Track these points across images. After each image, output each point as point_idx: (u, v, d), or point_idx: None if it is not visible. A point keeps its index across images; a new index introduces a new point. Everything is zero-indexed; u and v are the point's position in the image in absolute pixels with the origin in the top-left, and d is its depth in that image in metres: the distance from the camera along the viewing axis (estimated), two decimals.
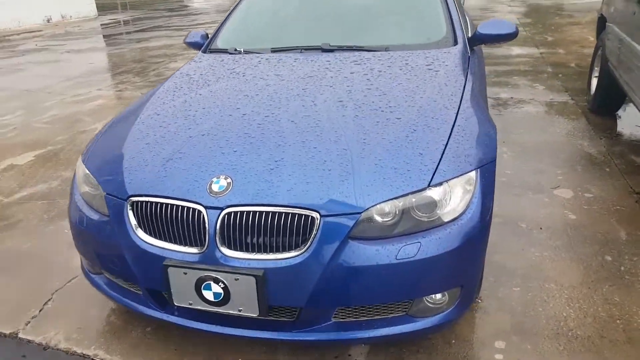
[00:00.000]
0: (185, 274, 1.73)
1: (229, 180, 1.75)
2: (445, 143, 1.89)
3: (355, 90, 2.25)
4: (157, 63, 8.56)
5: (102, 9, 21.15)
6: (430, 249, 1.70)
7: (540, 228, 2.86)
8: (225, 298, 1.73)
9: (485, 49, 7.90)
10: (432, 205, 1.74)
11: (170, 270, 1.74)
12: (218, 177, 1.77)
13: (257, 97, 2.28)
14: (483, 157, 1.91)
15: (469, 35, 2.95)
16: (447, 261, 1.73)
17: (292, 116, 2.08)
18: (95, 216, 1.97)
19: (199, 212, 1.73)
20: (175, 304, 1.82)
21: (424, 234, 1.73)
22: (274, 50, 2.85)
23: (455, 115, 2.06)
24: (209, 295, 1.75)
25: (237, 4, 3.40)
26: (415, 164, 1.79)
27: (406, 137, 1.90)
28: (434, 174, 1.76)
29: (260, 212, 1.68)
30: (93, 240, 1.98)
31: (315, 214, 1.66)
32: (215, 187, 1.74)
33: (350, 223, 1.66)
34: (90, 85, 7.21)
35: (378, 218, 1.70)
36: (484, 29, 2.83)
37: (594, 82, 4.81)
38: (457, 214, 1.77)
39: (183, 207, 1.76)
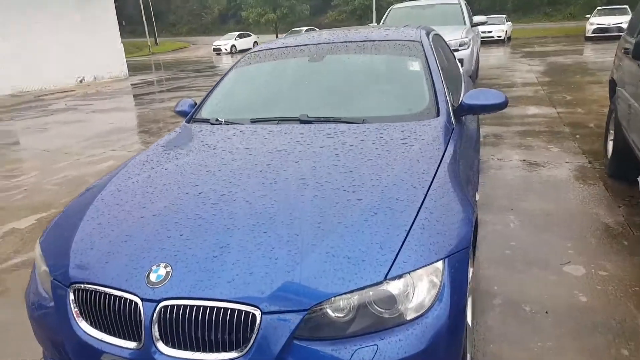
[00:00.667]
0: None
1: (168, 269, 1.58)
2: (407, 229, 1.69)
3: (320, 166, 2.10)
4: (174, 123, 8.66)
5: (134, 69, 22.00)
6: (390, 353, 1.47)
7: (546, 312, 2.57)
8: None
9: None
10: (392, 300, 1.53)
11: None
12: (158, 265, 1.60)
13: (219, 173, 2.14)
14: (453, 244, 1.71)
15: (459, 102, 2.77)
16: None
17: (248, 195, 1.92)
18: (45, 300, 1.84)
19: (135, 304, 1.55)
20: None
21: (384, 334, 1.51)
22: (253, 121, 2.74)
23: (423, 196, 1.86)
24: None
25: (225, 74, 3.34)
26: (372, 253, 1.59)
27: (365, 221, 1.71)
28: (391, 265, 1.56)
29: (198, 307, 1.49)
30: (42, 324, 1.86)
31: (256, 311, 1.46)
32: (153, 277, 1.57)
33: (295, 321, 1.46)
34: (105, 146, 7.29)
35: (331, 314, 1.49)
36: (470, 99, 2.67)
37: (610, 145, 4.57)
38: (422, 311, 1.56)
39: (120, 297, 1.59)
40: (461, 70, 4.46)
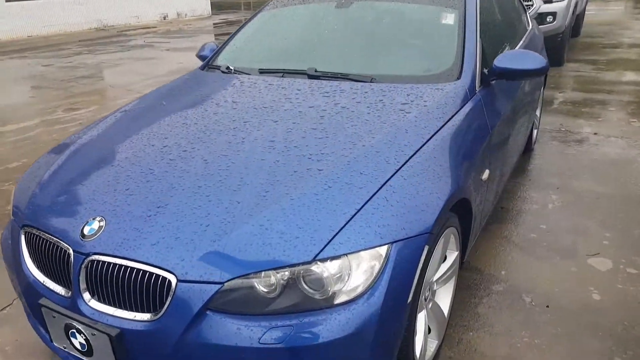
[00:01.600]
0: (54, 317, 1.64)
1: (102, 223, 1.61)
2: (358, 208, 1.57)
3: (298, 129, 2.00)
4: None
5: (219, 7, 22.26)
6: (305, 335, 1.42)
7: (547, 306, 2.36)
8: (89, 350, 1.60)
9: (592, 72, 6.99)
10: (321, 282, 1.46)
11: (44, 310, 1.67)
12: (94, 219, 1.64)
13: (193, 127, 2.12)
14: (407, 229, 1.58)
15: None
16: (326, 356, 1.43)
17: (210, 153, 1.89)
18: (7, 239, 1.97)
19: (68, 254, 1.61)
20: (55, 344, 1.73)
21: (306, 315, 1.45)
22: (262, 72, 2.67)
23: (393, 172, 1.72)
24: (76, 343, 1.63)
25: (250, 18, 3.26)
26: (309, 230, 1.51)
27: (314, 195, 1.62)
28: (325, 246, 1.47)
29: (120, 266, 1.52)
30: (7, 264, 1.95)
31: (172, 277, 1.46)
32: (86, 230, 1.61)
33: (210, 292, 1.44)
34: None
35: (254, 288, 1.45)
36: (502, 61, 2.39)
37: None
38: (353, 296, 1.47)
39: (57, 245, 1.66)
40: (530, 26, 4.02)
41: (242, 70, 2.74)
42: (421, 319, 1.87)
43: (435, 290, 2.07)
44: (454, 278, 2.14)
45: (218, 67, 2.86)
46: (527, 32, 3.78)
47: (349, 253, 1.48)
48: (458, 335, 2.19)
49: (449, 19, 2.62)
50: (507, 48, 3.07)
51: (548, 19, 7.01)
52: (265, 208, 1.58)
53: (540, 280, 2.55)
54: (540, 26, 6.95)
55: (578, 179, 3.71)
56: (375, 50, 2.65)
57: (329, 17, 2.93)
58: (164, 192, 1.70)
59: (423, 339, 1.87)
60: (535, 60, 2.38)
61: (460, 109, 2.17)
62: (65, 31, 15.68)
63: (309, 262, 1.45)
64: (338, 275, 1.47)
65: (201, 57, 3.18)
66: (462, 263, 2.28)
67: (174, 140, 2.02)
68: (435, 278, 1.96)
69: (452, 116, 2.11)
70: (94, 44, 12.98)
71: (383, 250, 1.52)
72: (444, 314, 2.07)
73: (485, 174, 2.23)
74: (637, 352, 2.06)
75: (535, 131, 4.35)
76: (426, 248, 1.63)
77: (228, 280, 1.44)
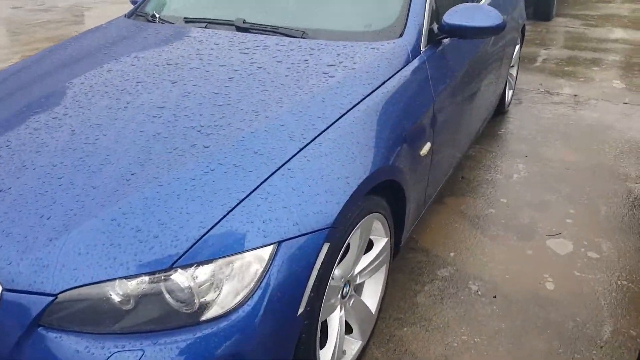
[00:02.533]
0: None
1: None
2: (242, 197, 1.27)
3: (196, 93, 1.66)
4: None
5: None
6: None
7: (494, 297, 2.11)
8: None
9: (580, 27, 6.58)
10: (184, 293, 1.17)
11: None
12: None
13: (78, 87, 1.78)
14: (301, 224, 1.28)
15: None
16: None
17: (81, 122, 1.56)
18: None
19: None
20: None
21: (164, 335, 1.17)
22: (187, 21, 2.30)
23: (295, 151, 1.41)
24: None
25: None
26: (173, 227, 1.20)
27: (191, 179, 1.31)
28: (190, 248, 1.17)
29: None
30: None
31: None
32: None
33: (40, 306, 1.14)
34: None
35: (99, 300, 1.17)
36: (453, 17, 2.03)
37: None
38: (225, 310, 1.19)
39: None
40: None
41: (167, 19, 2.36)
42: (335, 320, 1.61)
43: (359, 284, 1.80)
44: (384, 267, 1.87)
45: (145, 15, 2.48)
46: None
47: (221, 257, 1.19)
48: (390, 331, 1.94)
49: None
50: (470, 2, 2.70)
51: None
52: (124, 196, 1.27)
53: (492, 265, 2.29)
54: None
55: (549, 146, 3.41)
56: (313, 1, 2.28)
57: None
58: (12, 172, 1.38)
59: (337, 342, 1.61)
60: (489, 16, 2.03)
61: (397, 72, 1.84)
62: None
63: (166, 270, 1.16)
64: (208, 283, 1.18)
65: (134, 3, 2.79)
66: (399, 248, 2.01)
67: (50, 105, 1.68)
68: (357, 270, 1.69)
69: (385, 81, 1.77)
70: None
71: (266, 252, 1.23)
72: (370, 310, 1.81)
73: (426, 148, 1.92)
74: (585, 356, 1.82)
75: (510, 92, 4.02)
76: (326, 246, 1.34)
77: (62, 292, 1.14)
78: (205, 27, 2.19)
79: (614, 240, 2.44)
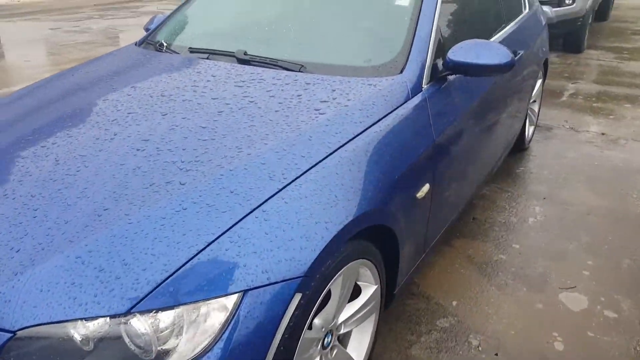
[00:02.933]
0: None
1: None
2: (211, 240, 1.20)
3: (183, 127, 1.62)
4: None
5: None
6: None
7: (496, 354, 1.94)
8: None
9: (613, 61, 6.37)
10: (141, 339, 1.10)
11: None
12: None
13: (71, 116, 1.79)
14: (271, 272, 1.20)
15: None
16: None
17: (67, 152, 1.56)
18: None
19: None
20: None
21: None
22: (192, 51, 2.26)
23: (273, 193, 1.33)
24: None
25: None
26: (136, 268, 1.15)
27: (161, 218, 1.25)
28: (150, 292, 1.11)
29: None
30: None
31: None
32: None
33: None
34: None
35: (64, 339, 1.10)
36: (457, 53, 1.92)
37: None
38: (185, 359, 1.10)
39: None
40: (526, 8, 3.48)
41: (174, 48, 2.34)
42: None
43: (344, 334, 1.68)
44: (373, 316, 1.74)
45: (154, 43, 2.46)
46: (521, 17, 3.25)
47: (183, 304, 1.11)
48: None
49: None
50: (487, 36, 2.59)
51: (567, 1, 6.37)
52: (93, 233, 1.22)
53: (496, 318, 2.12)
54: (557, 9, 6.33)
55: (571, 188, 3.23)
56: (314, 34, 2.21)
57: None
58: None
59: None
60: (496, 54, 1.91)
61: (394, 110, 1.73)
62: None
63: (124, 314, 1.09)
64: (167, 330, 1.11)
65: (147, 31, 2.79)
66: (394, 295, 1.87)
67: (42, 133, 1.70)
68: (340, 320, 1.57)
69: (379, 119, 1.67)
70: (108, 8, 12.69)
71: (231, 300, 1.15)
72: None
73: (423, 190, 1.79)
74: None
75: (531, 128, 3.85)
76: (298, 296, 1.24)
77: (21, 329, 1.09)
78: (207, 58, 2.15)
79: (636, 299, 2.24)
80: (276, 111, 1.66)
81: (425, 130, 1.82)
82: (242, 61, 2.08)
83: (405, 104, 1.79)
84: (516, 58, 2.73)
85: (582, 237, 2.69)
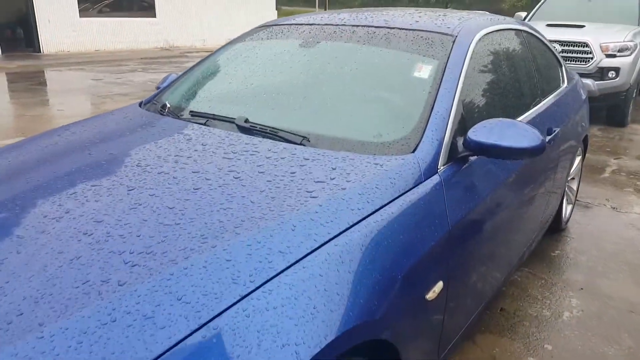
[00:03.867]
0: None
1: None
2: None
3: (148, 205, 1.40)
4: None
5: None
6: None
7: None
8: None
9: None
10: None
11: None
12: None
13: (34, 186, 1.59)
14: None
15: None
16: None
17: (4, 233, 1.34)
18: None
19: None
20: None
21: None
22: (193, 114, 2.12)
23: (233, 301, 1.08)
24: None
25: (212, 53, 2.71)
26: None
27: (83, 333, 0.98)
28: None
29: None
30: None
31: None
32: None
33: None
34: None
35: None
36: (479, 133, 1.71)
37: None
38: None
39: None
40: (565, 82, 3.26)
41: (175, 110, 2.21)
42: None
43: None
44: None
45: (157, 104, 2.34)
46: (559, 91, 3.03)
47: None
48: None
49: (424, 71, 1.97)
50: (520, 112, 2.38)
51: (610, 75, 6.14)
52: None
53: None
54: (600, 82, 6.11)
55: (611, 278, 2.88)
56: (322, 103, 2.05)
57: (288, 57, 2.37)
58: None
59: None
60: (524, 136, 1.69)
61: (401, 195, 1.52)
62: (132, 48, 16.18)
63: None
64: None
65: (158, 89, 2.69)
66: None
67: (28, 198, 1.51)
68: None
69: (382, 206, 1.45)
70: (153, 62, 13.17)
71: None
72: None
73: (435, 290, 1.54)
74: None
75: (569, 207, 3.54)
76: None
77: None
78: (205, 124, 1.99)
79: None
80: (261, 191, 1.45)
81: (438, 218, 1.59)
82: (242, 129, 1.92)
83: (415, 188, 1.57)
84: (551, 137, 2.50)
85: (624, 341, 2.34)
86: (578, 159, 3.49)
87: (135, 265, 1.17)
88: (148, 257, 1.19)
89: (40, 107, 7.41)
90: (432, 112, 1.78)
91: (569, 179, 3.30)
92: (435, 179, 1.64)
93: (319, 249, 1.25)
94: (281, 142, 1.77)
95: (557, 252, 3.20)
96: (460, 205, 1.70)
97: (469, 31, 2.20)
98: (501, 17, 2.73)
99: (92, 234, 1.29)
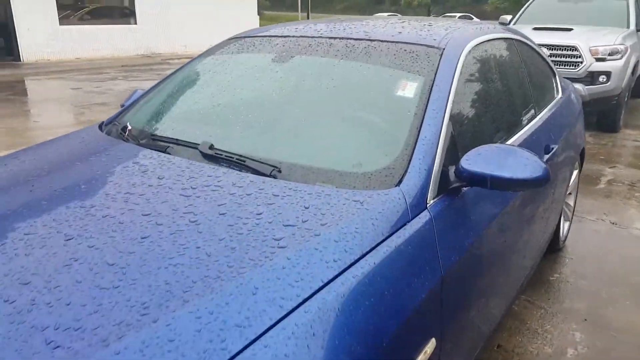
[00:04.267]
0: None
1: None
2: None
3: (85, 262, 1.15)
4: None
5: None
6: None
7: None
8: None
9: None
10: None
11: None
12: None
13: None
14: None
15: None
16: None
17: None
18: None
19: None
20: None
21: None
22: (154, 139, 1.88)
23: None
24: None
25: (179, 68, 2.46)
26: None
27: None
28: None
29: None
30: None
31: None
32: None
33: None
34: None
35: None
36: (473, 162, 1.48)
37: None
38: None
39: None
40: (559, 93, 3.06)
41: (136, 133, 1.96)
42: None
43: None
44: None
45: (117, 125, 2.09)
46: (554, 103, 2.82)
47: None
48: None
49: (409, 89, 1.74)
50: (515, 130, 2.16)
51: (601, 79, 5.98)
52: None
53: None
54: (591, 87, 5.94)
55: (617, 306, 2.67)
56: (297, 128, 1.81)
57: (259, 74, 2.14)
58: None
59: None
60: (525, 165, 1.47)
61: (385, 239, 1.28)
62: (113, 55, 15.91)
63: None
64: None
65: (122, 106, 2.43)
66: None
67: None
68: None
69: (362, 256, 1.21)
70: (134, 70, 12.91)
71: None
72: None
73: (427, 351, 1.30)
74: None
75: (566, 224, 3.34)
76: None
77: None
78: (165, 151, 1.75)
79: None
80: (220, 240, 1.21)
81: (429, 264, 1.35)
82: (206, 156, 1.67)
83: (402, 230, 1.33)
84: (549, 155, 2.29)
85: None
86: (575, 173, 3.30)
87: (57, 347, 0.93)
88: (75, 335, 0.95)
89: (15, 119, 7.11)
90: (419, 137, 1.55)
91: (566, 194, 3.10)
92: (424, 216, 1.41)
93: (286, 319, 1.01)
94: (248, 174, 1.54)
95: (555, 275, 2.99)
96: (454, 245, 1.47)
97: (457, 43, 1.98)
98: (490, 26, 2.50)
99: (13, 301, 1.05)
